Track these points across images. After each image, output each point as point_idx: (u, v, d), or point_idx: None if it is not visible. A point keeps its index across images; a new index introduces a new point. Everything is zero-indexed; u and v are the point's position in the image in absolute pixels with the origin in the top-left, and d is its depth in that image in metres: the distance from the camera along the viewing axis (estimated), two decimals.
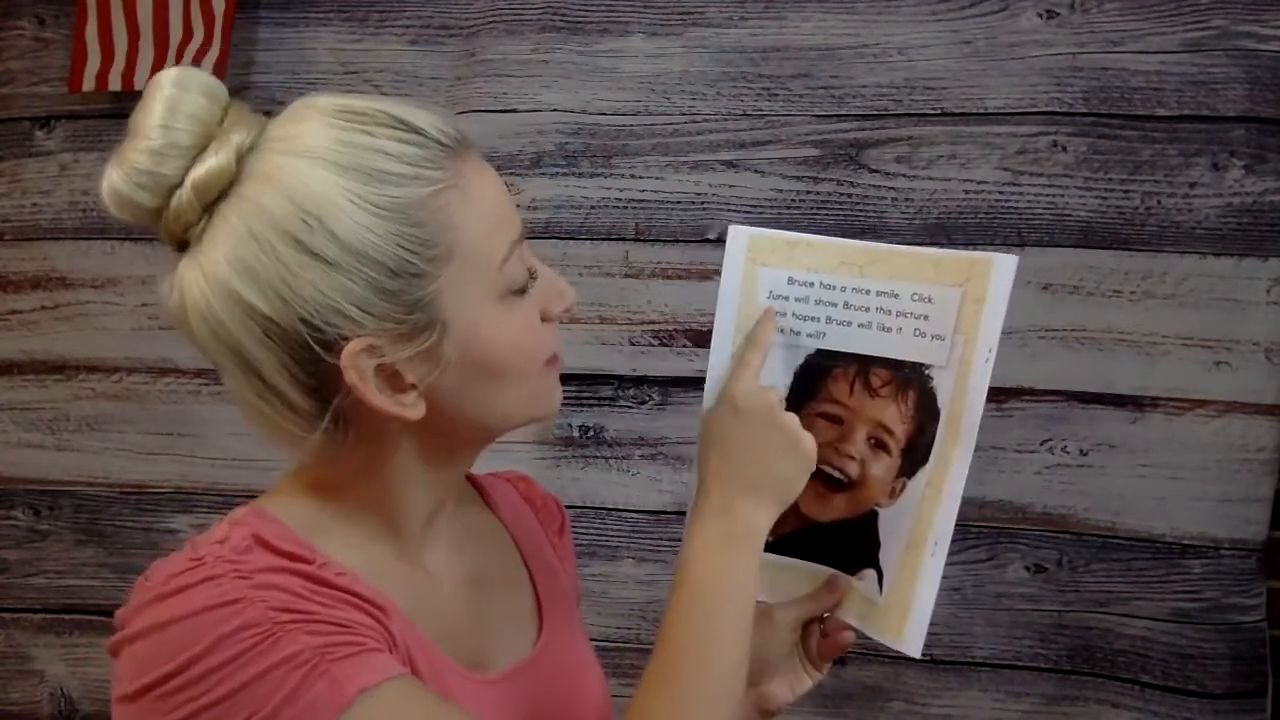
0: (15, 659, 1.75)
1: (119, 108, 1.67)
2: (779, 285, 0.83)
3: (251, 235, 0.64)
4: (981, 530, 1.49)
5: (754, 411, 0.78)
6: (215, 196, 0.66)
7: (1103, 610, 1.48)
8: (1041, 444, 1.48)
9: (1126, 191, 1.44)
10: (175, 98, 0.66)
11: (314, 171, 0.65)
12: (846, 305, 0.82)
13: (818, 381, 0.82)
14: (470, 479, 0.88)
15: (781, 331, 0.84)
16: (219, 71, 1.57)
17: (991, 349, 0.77)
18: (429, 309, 0.67)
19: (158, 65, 1.61)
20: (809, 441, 0.78)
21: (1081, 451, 1.47)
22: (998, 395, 1.49)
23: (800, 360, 0.84)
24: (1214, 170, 1.42)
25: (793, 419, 0.78)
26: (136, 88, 1.62)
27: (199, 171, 0.65)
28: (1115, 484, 1.47)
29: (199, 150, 0.66)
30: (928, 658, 1.52)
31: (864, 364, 0.82)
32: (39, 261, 1.71)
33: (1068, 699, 1.50)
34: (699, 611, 0.74)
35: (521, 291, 0.71)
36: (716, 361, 0.85)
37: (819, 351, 0.83)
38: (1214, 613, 1.45)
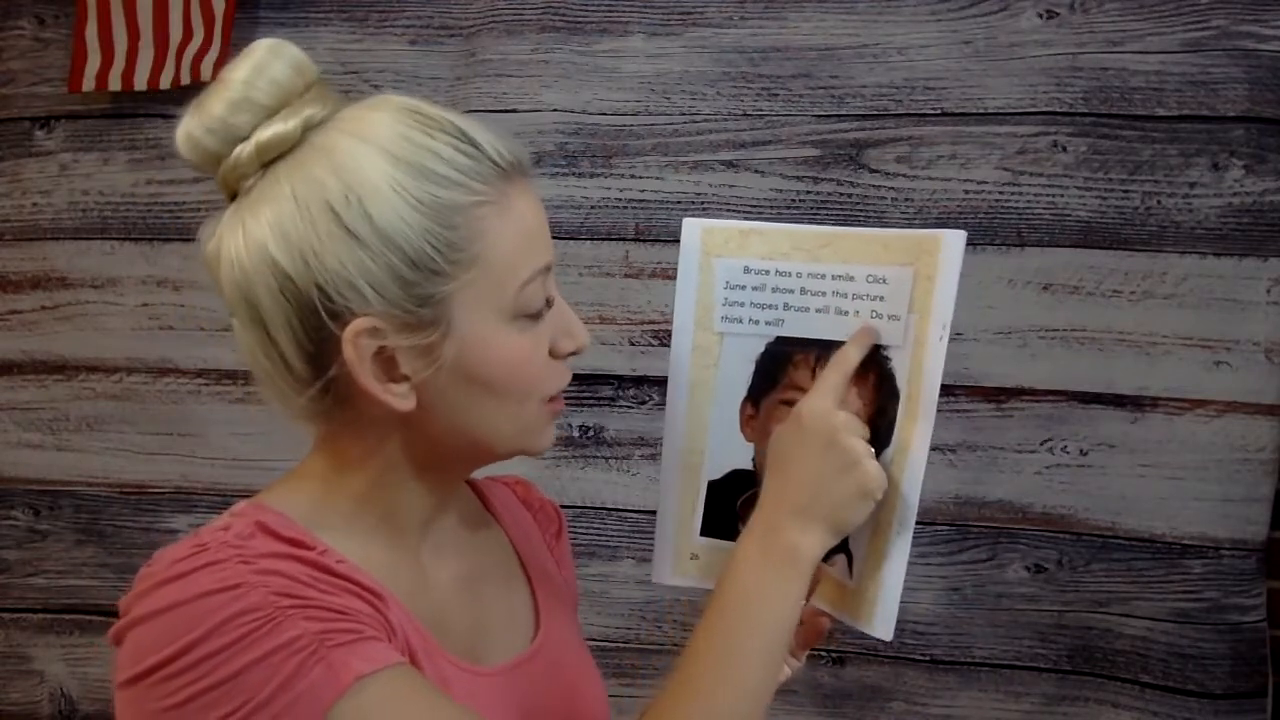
0: (15, 659, 1.76)
1: (119, 108, 1.67)
2: (735, 275, 0.84)
3: (295, 199, 0.68)
4: (981, 530, 1.49)
5: (816, 432, 0.75)
6: (274, 157, 0.69)
7: (1103, 610, 1.48)
8: (1041, 444, 1.48)
9: (1126, 191, 1.44)
10: (264, 61, 0.70)
11: (369, 156, 0.68)
12: (803, 291, 0.82)
13: (779, 369, 0.83)
14: (468, 482, 0.88)
15: (739, 321, 0.85)
16: (219, 72, 1.57)
17: (945, 326, 0.77)
18: (438, 307, 0.69)
19: (157, 65, 1.62)
20: (872, 469, 0.74)
21: (1081, 451, 1.47)
22: (998, 395, 1.49)
23: (760, 349, 0.85)
24: (1214, 170, 1.42)
25: (858, 444, 0.75)
26: (136, 88, 1.62)
27: (266, 132, 0.69)
28: (1115, 484, 1.47)
29: (272, 112, 0.70)
30: (927, 658, 1.52)
31: (823, 348, 0.82)
32: (39, 261, 1.71)
33: (1068, 699, 1.50)
34: (724, 628, 0.73)
35: (535, 317, 0.73)
36: (677, 357, 0.86)
37: (778, 339, 0.84)
38: (1214, 613, 1.45)
